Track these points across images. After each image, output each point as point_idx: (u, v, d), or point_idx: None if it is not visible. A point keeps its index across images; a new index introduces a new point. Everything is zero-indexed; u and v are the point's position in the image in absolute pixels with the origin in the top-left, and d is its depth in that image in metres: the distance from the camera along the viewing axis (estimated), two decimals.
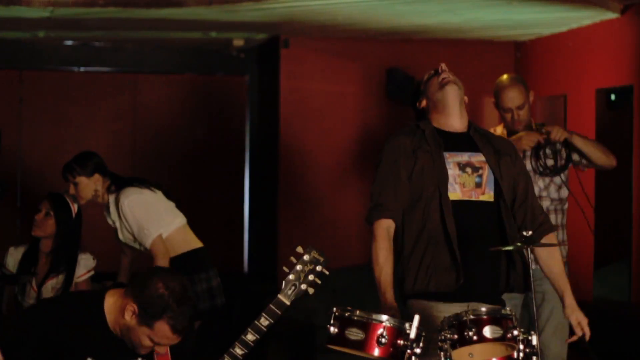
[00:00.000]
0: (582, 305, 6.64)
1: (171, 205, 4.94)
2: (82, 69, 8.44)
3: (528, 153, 4.87)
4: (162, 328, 3.14)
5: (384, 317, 3.32)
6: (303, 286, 3.27)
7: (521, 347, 3.39)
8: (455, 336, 3.35)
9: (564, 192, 4.94)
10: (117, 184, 4.87)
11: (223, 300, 4.99)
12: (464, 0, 6.08)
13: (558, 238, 4.91)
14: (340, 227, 7.74)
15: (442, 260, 3.69)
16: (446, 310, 3.56)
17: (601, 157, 4.87)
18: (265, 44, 8.18)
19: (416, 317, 3.31)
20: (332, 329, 3.34)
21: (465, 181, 3.71)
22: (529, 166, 4.86)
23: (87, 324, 3.22)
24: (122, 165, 8.22)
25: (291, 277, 3.26)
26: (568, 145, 4.83)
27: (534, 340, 3.42)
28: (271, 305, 3.25)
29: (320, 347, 6.55)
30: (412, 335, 3.28)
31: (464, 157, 3.74)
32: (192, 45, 8.44)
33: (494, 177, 3.70)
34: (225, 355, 3.22)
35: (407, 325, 3.30)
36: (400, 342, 3.28)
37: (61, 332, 3.18)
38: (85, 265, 4.96)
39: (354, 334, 3.31)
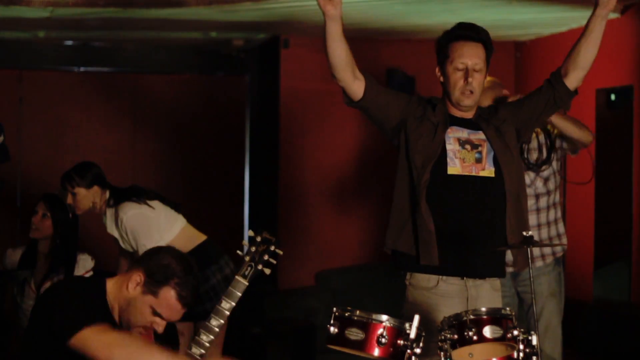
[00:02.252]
0: (582, 305, 6.68)
1: (169, 212, 4.93)
2: (82, 69, 8.44)
3: None
4: (168, 295, 3.13)
5: (384, 317, 3.32)
6: (259, 266, 3.35)
7: (521, 347, 3.40)
8: (455, 336, 3.35)
9: (552, 184, 4.92)
10: (115, 197, 4.88)
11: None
12: (464, 0, 6.08)
13: (551, 233, 4.92)
14: (341, 227, 7.74)
15: (427, 235, 3.75)
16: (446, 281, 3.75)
17: (575, 131, 4.76)
18: (265, 44, 8.18)
19: (416, 317, 3.31)
20: (332, 329, 3.34)
21: (465, 156, 3.74)
22: None
23: (91, 307, 3.15)
24: (122, 165, 8.23)
25: (247, 258, 3.34)
26: (547, 131, 4.84)
27: (534, 340, 3.43)
28: (230, 288, 3.34)
29: (320, 347, 6.56)
30: (412, 335, 3.28)
31: (464, 133, 3.77)
32: (192, 45, 8.44)
33: (494, 154, 3.72)
34: (192, 344, 3.27)
35: (407, 325, 3.30)
36: (400, 342, 3.29)
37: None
38: (83, 265, 4.97)
39: (354, 334, 3.31)
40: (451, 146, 3.74)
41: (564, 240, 4.93)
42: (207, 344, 3.29)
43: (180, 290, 3.15)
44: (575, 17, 6.63)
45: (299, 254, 7.70)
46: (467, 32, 3.80)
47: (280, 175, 7.78)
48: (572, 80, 3.88)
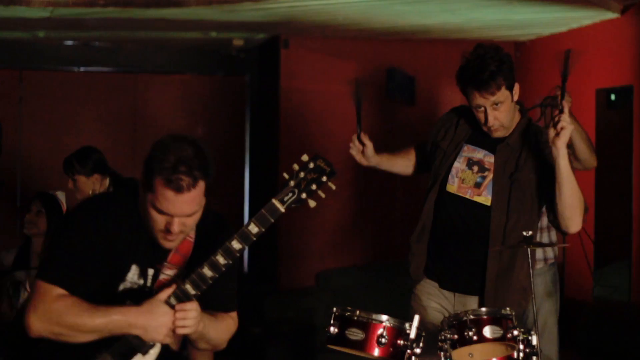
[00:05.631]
0: (582, 305, 6.67)
1: None
2: (82, 69, 8.44)
3: None
4: (158, 185, 2.82)
5: (384, 317, 3.32)
6: (303, 195, 2.94)
7: (521, 347, 3.40)
8: (455, 336, 3.35)
9: None
10: (116, 186, 4.88)
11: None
12: (464, 0, 6.08)
13: (543, 240, 4.90)
14: (341, 227, 7.74)
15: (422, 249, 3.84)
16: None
17: (584, 151, 4.75)
18: (265, 44, 8.18)
19: (416, 317, 3.31)
20: (332, 329, 3.35)
21: (466, 178, 3.74)
22: None
23: (126, 224, 2.96)
24: (122, 165, 8.21)
25: (291, 183, 2.92)
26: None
27: (534, 340, 3.43)
28: (263, 211, 2.93)
29: (320, 347, 6.56)
30: (412, 335, 3.28)
31: (479, 154, 3.76)
32: (192, 45, 8.44)
33: (499, 184, 3.70)
34: (205, 264, 2.90)
35: (407, 325, 3.30)
36: (400, 342, 3.29)
37: (103, 237, 2.92)
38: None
39: (354, 334, 3.32)
40: (458, 164, 3.76)
41: (555, 250, 4.93)
42: (209, 281, 2.90)
43: (169, 177, 2.80)
44: (575, 17, 6.63)
45: (299, 254, 7.70)
46: (476, 81, 3.63)
47: (280, 175, 7.77)
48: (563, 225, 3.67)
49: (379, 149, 4.12)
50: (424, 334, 3.32)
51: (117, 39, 8.19)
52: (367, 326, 3.31)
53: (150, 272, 3.01)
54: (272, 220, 2.93)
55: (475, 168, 3.74)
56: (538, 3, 6.13)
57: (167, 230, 2.89)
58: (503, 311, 3.43)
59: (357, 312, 3.35)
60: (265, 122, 8.35)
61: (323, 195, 2.92)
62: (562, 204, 3.45)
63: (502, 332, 3.38)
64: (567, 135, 3.41)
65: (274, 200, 2.94)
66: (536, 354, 3.42)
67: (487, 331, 3.37)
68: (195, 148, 2.89)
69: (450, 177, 3.75)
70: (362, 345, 3.31)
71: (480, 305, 3.70)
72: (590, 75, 6.81)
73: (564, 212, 3.47)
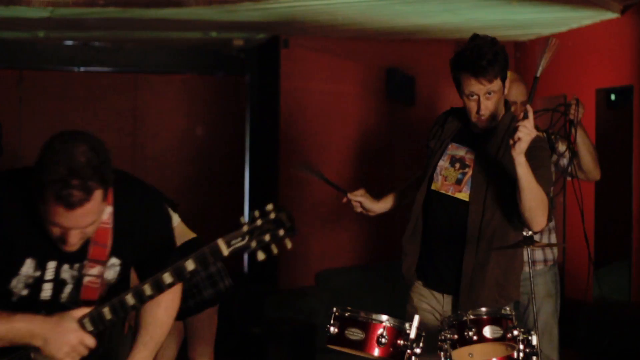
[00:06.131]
0: (582, 305, 6.67)
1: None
2: (82, 69, 8.44)
3: None
4: (50, 200, 2.54)
5: (384, 317, 3.32)
6: (253, 244, 2.63)
7: (521, 347, 3.40)
8: (455, 336, 3.35)
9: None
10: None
11: (226, 284, 5.01)
12: (464, 0, 6.08)
13: (544, 241, 4.90)
14: (341, 228, 7.74)
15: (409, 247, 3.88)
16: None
17: (590, 162, 4.78)
18: (265, 44, 8.18)
19: (416, 317, 3.31)
20: (332, 329, 3.35)
21: (449, 175, 3.76)
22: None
23: (20, 214, 2.69)
24: (122, 165, 8.21)
25: (245, 228, 2.63)
26: (550, 140, 4.81)
27: (534, 340, 3.43)
28: (206, 249, 2.65)
29: (320, 347, 6.56)
30: (412, 335, 3.28)
31: (462, 151, 3.77)
32: (192, 45, 8.43)
33: (476, 179, 3.70)
34: (130, 291, 2.69)
35: (407, 325, 3.30)
36: (400, 342, 3.29)
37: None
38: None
39: (354, 334, 3.32)
40: (442, 162, 3.80)
41: (555, 252, 4.93)
42: (129, 310, 2.70)
43: (57, 190, 2.51)
44: (575, 17, 6.64)
45: (299, 254, 7.70)
46: (472, 66, 3.62)
47: (280, 175, 7.77)
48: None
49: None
50: (424, 334, 3.32)
51: (117, 39, 8.19)
52: (367, 326, 3.31)
53: (51, 265, 2.74)
54: (212, 262, 2.66)
55: (457, 165, 3.75)
56: (538, 3, 6.13)
57: (64, 240, 2.65)
58: (503, 311, 3.43)
59: (357, 312, 3.35)
60: (265, 122, 8.35)
61: (275, 251, 2.63)
62: (522, 207, 3.47)
63: (502, 332, 3.38)
64: (522, 147, 3.36)
65: (219, 241, 2.63)
66: (536, 354, 3.42)
67: (487, 331, 3.37)
68: (89, 151, 2.60)
69: (435, 175, 3.79)
70: (362, 345, 3.31)
71: (456, 302, 3.68)
72: (590, 75, 6.82)
73: (524, 213, 3.48)
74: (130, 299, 2.68)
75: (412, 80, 7.73)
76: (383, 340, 3.28)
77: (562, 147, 4.78)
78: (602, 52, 6.71)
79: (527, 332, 3.43)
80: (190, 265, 2.65)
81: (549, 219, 4.94)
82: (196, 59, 8.62)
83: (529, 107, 3.37)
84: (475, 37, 3.67)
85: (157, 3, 6.07)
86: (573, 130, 4.70)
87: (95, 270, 2.78)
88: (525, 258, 4.26)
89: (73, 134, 2.66)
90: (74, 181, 2.52)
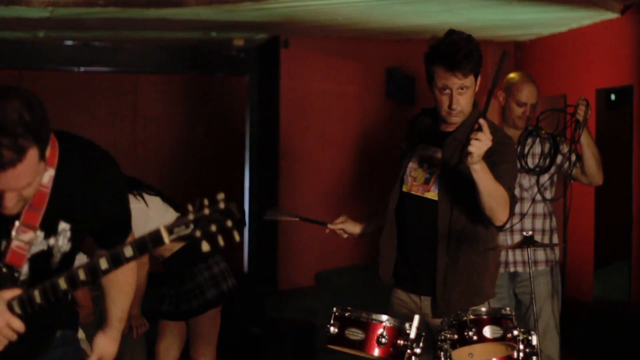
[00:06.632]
0: (582, 305, 6.67)
1: (163, 210, 4.90)
2: (82, 69, 8.44)
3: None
4: None
5: (384, 317, 3.32)
6: (197, 233, 2.39)
7: (521, 347, 3.40)
8: (455, 336, 3.35)
9: (548, 194, 4.89)
10: None
11: (230, 284, 5.02)
12: (464, 0, 6.09)
13: (545, 242, 4.89)
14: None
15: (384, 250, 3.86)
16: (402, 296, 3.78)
17: (593, 166, 4.77)
18: (265, 44, 8.18)
19: (416, 317, 3.31)
20: (332, 329, 3.34)
21: (418, 175, 3.76)
22: None
23: None
24: (122, 165, 8.22)
25: (190, 216, 2.41)
26: (556, 141, 4.81)
27: (534, 340, 3.43)
28: (146, 235, 2.43)
29: (320, 347, 6.56)
30: (412, 335, 3.28)
31: (429, 151, 3.77)
32: (192, 45, 8.44)
33: (443, 178, 3.69)
34: (63, 275, 2.50)
35: (407, 325, 3.30)
36: (400, 342, 3.29)
37: None
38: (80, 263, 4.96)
39: (354, 334, 3.31)
40: (411, 164, 3.79)
41: (556, 253, 4.93)
42: (60, 295, 2.50)
43: None
44: (575, 17, 6.64)
45: (299, 254, 7.71)
46: (448, 59, 3.60)
47: (280, 175, 7.77)
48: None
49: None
50: (424, 334, 3.32)
51: (117, 39, 8.19)
52: (367, 326, 3.31)
53: None
54: (151, 250, 2.42)
55: (425, 165, 3.76)
56: (538, 3, 6.13)
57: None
58: (503, 311, 3.42)
59: (357, 312, 3.35)
60: (265, 122, 8.35)
61: (222, 243, 2.37)
62: (482, 207, 3.47)
63: (502, 332, 3.38)
64: (474, 159, 3.32)
65: (161, 228, 2.40)
66: (536, 354, 3.42)
67: (487, 331, 3.37)
68: (22, 107, 2.43)
69: (405, 177, 3.78)
70: (362, 345, 3.31)
71: (433, 302, 3.67)
72: (590, 75, 6.82)
73: (484, 212, 3.48)
74: (62, 283, 2.49)
75: (412, 80, 7.73)
76: (383, 340, 3.28)
77: (566, 149, 4.78)
78: (602, 52, 6.71)
79: (527, 332, 3.43)
80: (128, 251, 2.42)
81: (551, 216, 4.95)
82: (196, 59, 8.62)
83: (481, 121, 3.33)
84: (451, 32, 3.67)
85: (157, 3, 6.07)
86: (579, 131, 4.69)
87: (26, 236, 2.57)
88: (526, 258, 4.30)
89: (3, 90, 2.45)
90: (4, 140, 2.34)
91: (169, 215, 4.85)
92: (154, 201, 4.86)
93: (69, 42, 8.30)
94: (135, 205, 4.74)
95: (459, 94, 3.63)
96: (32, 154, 2.41)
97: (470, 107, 3.70)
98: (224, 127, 8.69)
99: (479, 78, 3.67)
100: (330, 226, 4.10)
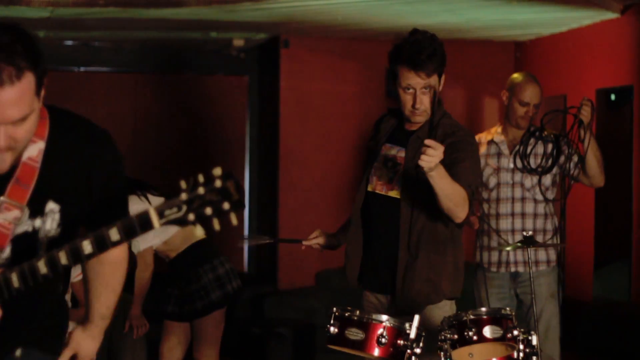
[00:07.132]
0: (582, 305, 6.67)
1: None
2: (82, 69, 8.44)
3: (515, 150, 4.85)
4: None
5: (384, 317, 3.32)
6: (190, 216, 2.17)
7: (521, 347, 3.40)
8: (455, 336, 3.35)
9: (550, 195, 4.89)
10: None
11: (235, 285, 5.02)
12: (464, 0, 6.09)
13: (547, 242, 4.89)
14: None
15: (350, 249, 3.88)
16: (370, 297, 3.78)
17: (595, 168, 4.76)
18: (265, 44, 8.18)
19: (416, 317, 3.31)
20: (332, 329, 3.34)
21: (382, 174, 3.76)
22: (512, 165, 4.85)
23: None
24: None
25: (183, 196, 2.21)
26: (558, 142, 4.80)
27: (534, 340, 3.43)
28: (134, 218, 2.21)
29: (320, 347, 6.56)
30: (412, 335, 3.28)
31: (394, 150, 3.78)
32: (192, 45, 8.44)
33: (406, 176, 3.70)
34: (43, 257, 2.28)
35: (407, 325, 3.30)
36: (400, 342, 3.29)
37: None
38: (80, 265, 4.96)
39: (354, 334, 3.31)
40: (376, 163, 3.80)
41: (554, 251, 4.92)
42: (39, 279, 2.29)
43: None
44: (575, 17, 6.64)
45: (299, 254, 7.70)
46: (412, 60, 3.60)
47: (280, 175, 7.77)
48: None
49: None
50: (424, 334, 3.32)
51: (117, 39, 8.19)
52: (367, 326, 3.31)
53: None
54: (139, 234, 2.21)
55: (389, 164, 3.77)
56: (538, 3, 6.13)
57: None
58: (503, 311, 3.43)
59: (357, 312, 3.35)
60: (265, 122, 8.35)
61: (217, 227, 2.13)
62: (440, 207, 3.48)
63: (502, 332, 3.38)
64: (426, 170, 3.33)
65: (151, 210, 2.19)
66: (536, 354, 3.42)
67: (487, 331, 3.37)
68: (17, 33, 2.26)
69: (370, 177, 3.79)
70: (362, 345, 3.30)
71: (393, 299, 3.67)
72: (590, 75, 6.82)
73: (443, 211, 3.49)
74: (42, 267, 2.27)
75: None
76: (383, 340, 3.28)
77: (569, 150, 4.77)
78: (602, 52, 6.71)
79: (527, 332, 3.43)
80: (114, 235, 2.20)
81: (552, 217, 4.95)
82: (196, 59, 8.62)
83: (427, 142, 3.31)
84: (415, 31, 3.68)
85: (157, 3, 6.07)
86: (582, 132, 4.69)
87: (10, 214, 2.36)
88: (527, 258, 4.29)
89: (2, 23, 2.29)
90: (2, 54, 2.19)
91: None
92: (159, 202, 4.86)
93: (69, 42, 8.30)
94: (140, 206, 4.74)
95: (423, 94, 3.64)
96: (29, 79, 2.29)
97: (430, 106, 3.68)
98: (224, 127, 8.68)
99: (443, 77, 3.68)
100: (305, 242, 4.15)
